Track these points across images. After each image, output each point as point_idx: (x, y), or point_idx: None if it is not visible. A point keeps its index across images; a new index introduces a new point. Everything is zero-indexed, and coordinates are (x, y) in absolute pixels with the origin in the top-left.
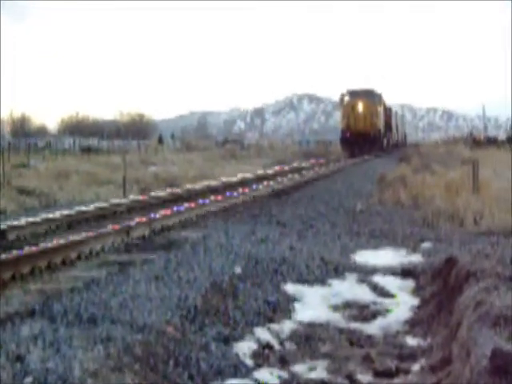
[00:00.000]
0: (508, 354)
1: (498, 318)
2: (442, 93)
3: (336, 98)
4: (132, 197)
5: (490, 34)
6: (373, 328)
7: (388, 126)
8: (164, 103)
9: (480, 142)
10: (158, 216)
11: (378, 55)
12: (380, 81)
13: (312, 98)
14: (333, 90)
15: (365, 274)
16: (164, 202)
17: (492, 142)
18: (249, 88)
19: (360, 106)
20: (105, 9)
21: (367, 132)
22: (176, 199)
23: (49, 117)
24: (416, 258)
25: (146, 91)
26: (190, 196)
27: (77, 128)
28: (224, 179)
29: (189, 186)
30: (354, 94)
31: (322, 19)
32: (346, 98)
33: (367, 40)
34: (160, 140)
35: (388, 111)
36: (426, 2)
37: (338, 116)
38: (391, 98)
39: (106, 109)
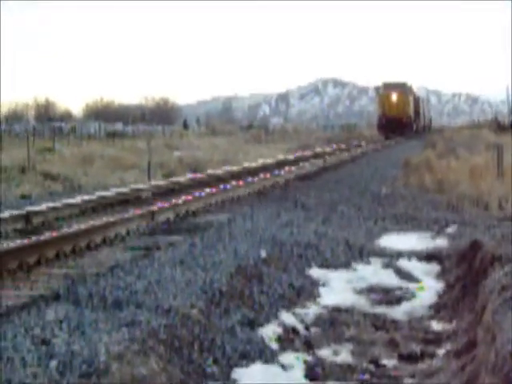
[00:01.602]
0: None
1: None
2: (466, 77)
3: (361, 82)
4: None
5: None
6: (398, 312)
7: (417, 112)
8: (189, 88)
9: (505, 126)
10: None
11: (403, 40)
12: (406, 65)
13: (337, 83)
14: (358, 74)
15: (390, 258)
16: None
17: None
18: (274, 73)
19: (394, 96)
20: None
21: (400, 118)
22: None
23: (73, 102)
24: (441, 242)
25: (171, 76)
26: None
27: (102, 113)
28: (248, 164)
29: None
30: (389, 86)
31: (347, 3)
32: (382, 90)
33: (393, 24)
34: (185, 125)
35: (416, 100)
36: None
37: (363, 100)
38: (417, 83)
39: (131, 93)
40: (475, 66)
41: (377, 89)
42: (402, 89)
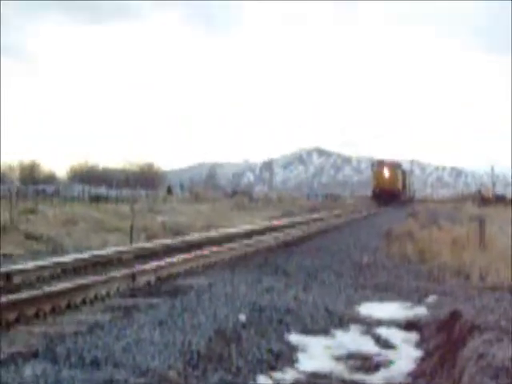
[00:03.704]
0: None
1: (499, 370)
2: (451, 150)
3: (345, 152)
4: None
5: (500, 93)
6: (376, 379)
7: (404, 185)
8: (174, 154)
9: (488, 199)
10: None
11: (389, 111)
12: (390, 136)
13: (321, 152)
14: (342, 144)
15: (369, 325)
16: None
17: (500, 199)
18: (258, 141)
19: (386, 172)
20: (116, 58)
21: (390, 189)
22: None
23: (58, 164)
24: (421, 311)
25: (156, 141)
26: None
27: (86, 176)
28: (230, 230)
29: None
30: (382, 163)
31: (334, 75)
32: (376, 166)
33: (378, 96)
34: (169, 190)
35: (404, 174)
36: (435, 62)
37: (346, 170)
38: (401, 154)
39: (116, 158)
40: (459, 138)
41: (372, 165)
42: (393, 165)
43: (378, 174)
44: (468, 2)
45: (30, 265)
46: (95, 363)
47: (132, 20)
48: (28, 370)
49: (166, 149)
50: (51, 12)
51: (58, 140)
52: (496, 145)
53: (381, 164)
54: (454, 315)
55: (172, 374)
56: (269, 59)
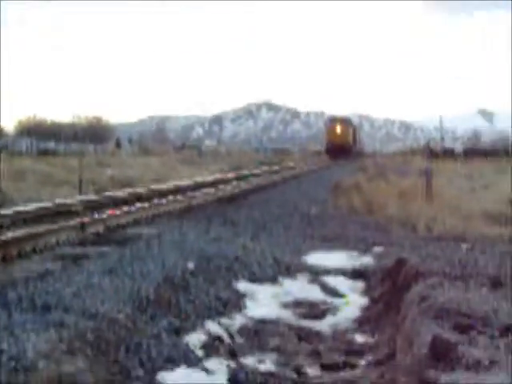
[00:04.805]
0: (446, 340)
1: (440, 311)
2: (399, 104)
3: (294, 105)
4: None
5: (449, 46)
6: (322, 325)
7: (354, 140)
8: (122, 107)
9: (437, 153)
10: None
11: (337, 65)
12: (338, 89)
13: (270, 107)
14: (291, 98)
15: (316, 274)
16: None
17: (449, 153)
18: (207, 95)
19: (338, 128)
20: (69, 11)
21: (342, 144)
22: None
23: (6, 118)
24: (367, 261)
25: (105, 95)
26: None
27: (34, 130)
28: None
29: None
30: (334, 120)
31: (282, 26)
32: (329, 123)
33: (327, 49)
34: (117, 144)
35: (354, 130)
36: (382, 13)
37: (296, 125)
38: (349, 109)
39: (64, 112)
40: (408, 92)
41: (325, 121)
42: (344, 122)
43: (330, 130)
44: None
45: None
46: (46, 307)
47: None
48: None
49: (115, 102)
50: None
51: (6, 94)
52: (445, 98)
53: (333, 120)
54: (400, 263)
55: (121, 317)
56: (226, 11)
